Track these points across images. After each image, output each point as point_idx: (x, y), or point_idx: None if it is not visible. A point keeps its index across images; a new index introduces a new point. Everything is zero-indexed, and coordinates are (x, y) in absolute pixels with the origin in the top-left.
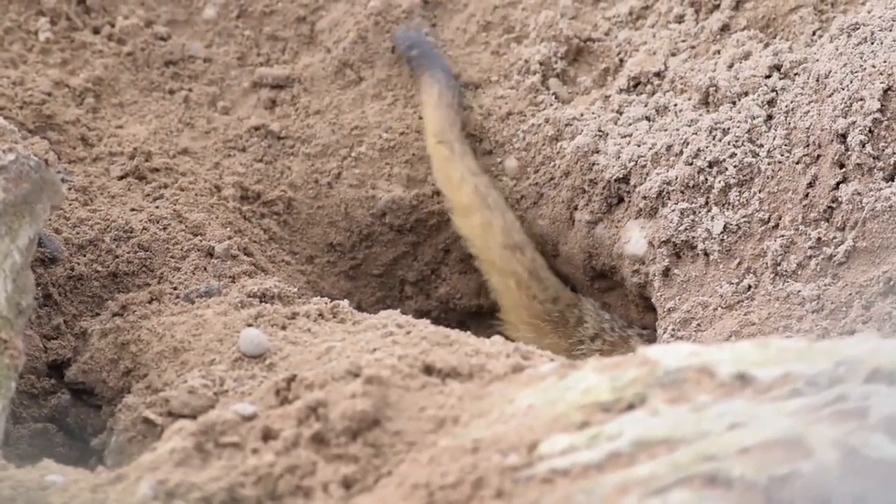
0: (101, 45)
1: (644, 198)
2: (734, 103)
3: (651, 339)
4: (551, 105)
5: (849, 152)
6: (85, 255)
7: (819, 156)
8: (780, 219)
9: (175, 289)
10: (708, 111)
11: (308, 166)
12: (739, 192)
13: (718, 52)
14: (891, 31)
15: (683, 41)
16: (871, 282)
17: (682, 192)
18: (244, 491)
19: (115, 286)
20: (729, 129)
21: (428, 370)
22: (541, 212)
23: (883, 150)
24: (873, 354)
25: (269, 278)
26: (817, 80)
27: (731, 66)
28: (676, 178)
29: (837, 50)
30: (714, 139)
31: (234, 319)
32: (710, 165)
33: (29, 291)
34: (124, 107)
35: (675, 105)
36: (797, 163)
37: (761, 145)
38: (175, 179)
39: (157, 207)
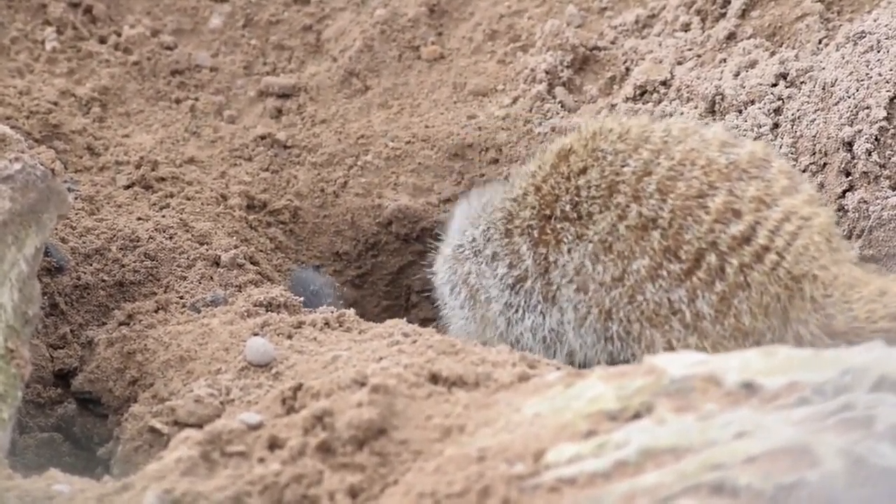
0: (108, 55)
1: None
2: (740, 112)
3: None
4: (557, 114)
5: (855, 160)
6: (91, 265)
7: (825, 164)
8: None
9: (181, 298)
10: (714, 119)
11: (314, 175)
12: None
13: (724, 60)
14: None
15: (689, 50)
16: None
17: None
18: (250, 500)
19: (122, 295)
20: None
21: (434, 379)
22: None
23: (889, 159)
24: (879, 363)
25: (275, 287)
26: (823, 89)
27: (737, 75)
28: None
29: (843, 58)
30: None
31: (240, 328)
32: None
33: (35, 301)
34: (130, 116)
35: (682, 113)
36: (803, 171)
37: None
38: (181, 188)
39: (164, 216)
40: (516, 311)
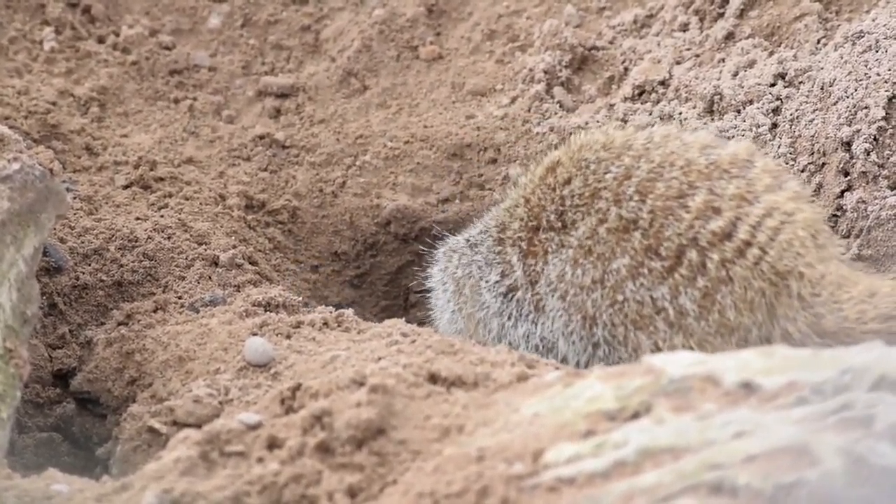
0: (106, 55)
1: None
2: (739, 111)
3: None
4: (556, 113)
5: (853, 160)
6: (90, 265)
7: (824, 164)
8: None
9: (180, 298)
10: (713, 119)
11: (313, 175)
12: None
13: (723, 60)
14: None
15: (688, 49)
16: None
17: None
18: (249, 500)
19: (120, 295)
20: (734, 137)
21: (433, 379)
22: None
23: (888, 158)
24: (878, 362)
25: (273, 287)
26: (822, 89)
27: (735, 75)
28: None
29: (842, 58)
30: None
31: (238, 328)
32: None
33: (34, 301)
34: (129, 116)
35: (680, 113)
36: (802, 171)
37: (766, 153)
38: (180, 188)
39: (162, 216)
40: (508, 318)
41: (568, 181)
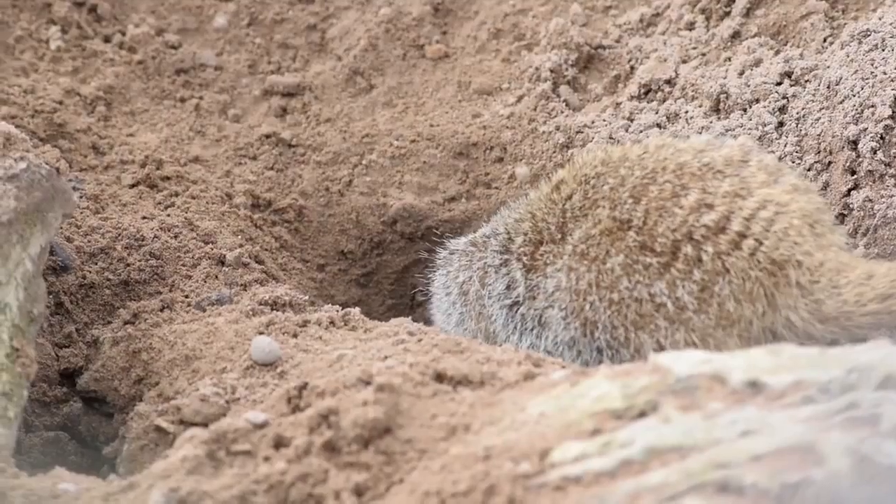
0: (112, 54)
1: None
2: (745, 110)
3: None
4: (562, 112)
5: (860, 159)
6: (96, 264)
7: (830, 162)
8: None
9: (186, 297)
10: (719, 118)
11: (319, 174)
12: None
13: (729, 59)
14: None
15: (694, 48)
16: None
17: None
18: (256, 499)
19: (127, 294)
20: (740, 135)
21: (439, 378)
22: None
23: (894, 157)
24: (885, 361)
25: (280, 286)
26: (828, 87)
27: (741, 73)
28: None
29: (848, 56)
30: None
31: (245, 327)
32: None
33: (41, 300)
34: (135, 115)
35: (686, 112)
36: (808, 170)
37: (772, 152)
38: (186, 187)
39: (169, 215)
40: (514, 331)
41: (569, 196)
